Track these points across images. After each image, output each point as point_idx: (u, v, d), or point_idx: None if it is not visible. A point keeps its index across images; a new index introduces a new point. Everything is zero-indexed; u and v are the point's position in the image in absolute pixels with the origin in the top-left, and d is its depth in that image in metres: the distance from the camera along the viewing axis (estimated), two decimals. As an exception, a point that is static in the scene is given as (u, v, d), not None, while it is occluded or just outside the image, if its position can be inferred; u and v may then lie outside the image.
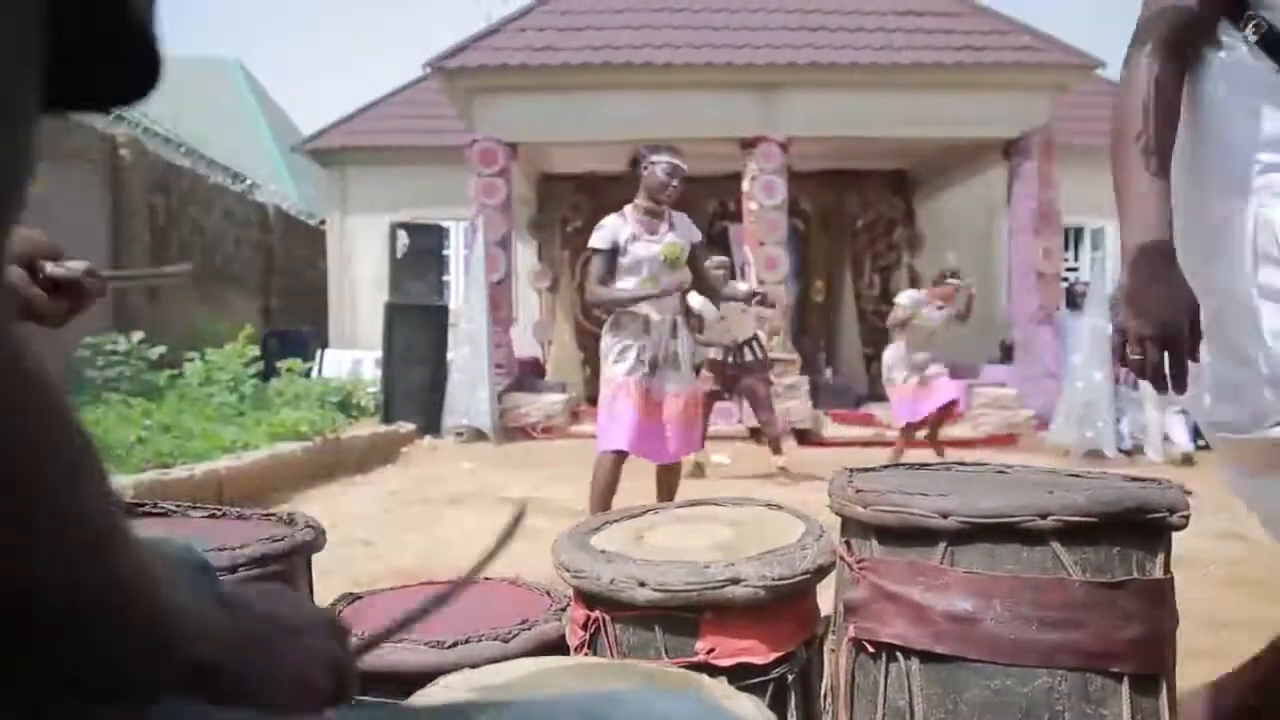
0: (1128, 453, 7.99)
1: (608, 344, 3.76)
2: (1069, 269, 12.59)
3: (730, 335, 6.47)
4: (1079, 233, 13.08)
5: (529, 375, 10.49)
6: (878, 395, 11.40)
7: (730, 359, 6.50)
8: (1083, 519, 1.14)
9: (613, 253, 3.70)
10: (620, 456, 3.61)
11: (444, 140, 11.62)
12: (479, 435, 8.53)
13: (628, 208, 3.84)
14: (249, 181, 14.32)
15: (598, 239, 3.74)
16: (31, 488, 0.36)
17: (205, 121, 16.15)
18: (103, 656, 0.43)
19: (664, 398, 3.67)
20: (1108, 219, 12.85)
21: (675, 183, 3.78)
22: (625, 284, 3.68)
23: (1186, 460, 7.46)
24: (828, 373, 11.34)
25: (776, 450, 6.52)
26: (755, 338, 6.55)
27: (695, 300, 5.95)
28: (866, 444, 8.78)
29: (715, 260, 6.90)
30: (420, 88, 12.61)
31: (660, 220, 3.82)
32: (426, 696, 1.05)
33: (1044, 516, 1.14)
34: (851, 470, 1.43)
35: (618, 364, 3.68)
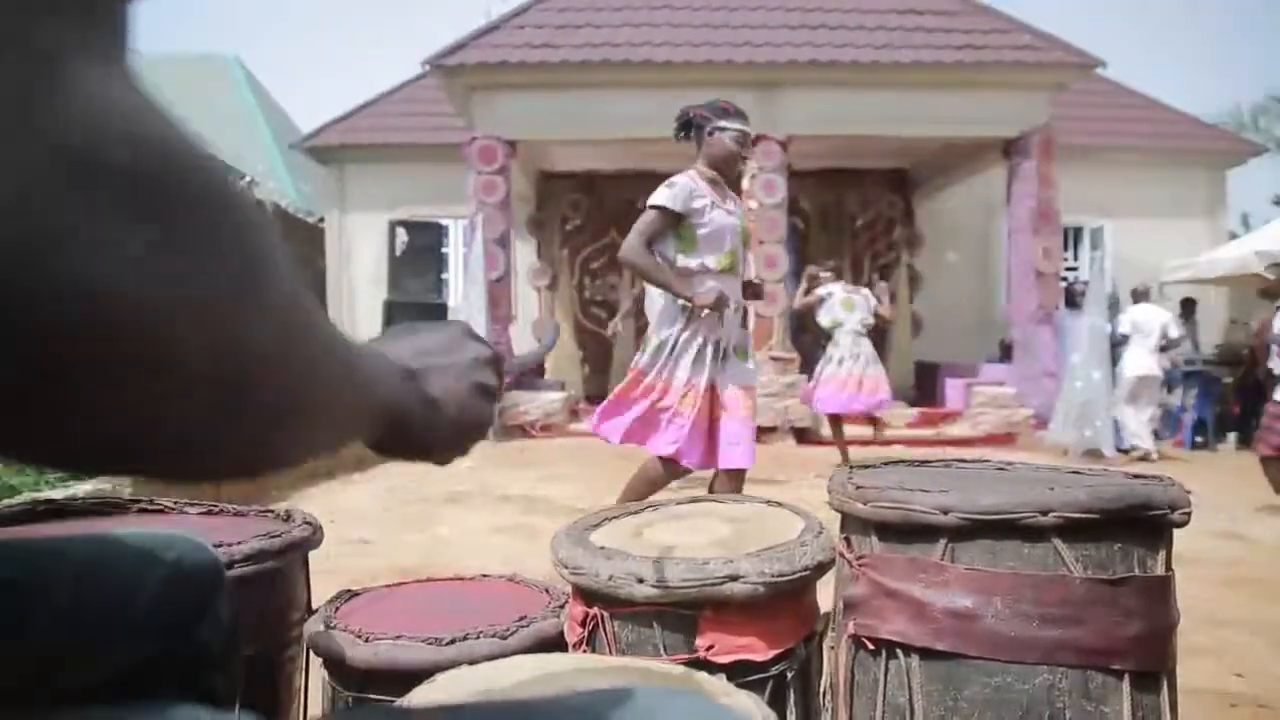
0: (1125, 451, 8.01)
1: (670, 333, 3.12)
2: (1068, 268, 12.59)
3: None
4: (1078, 232, 13.08)
5: (528, 373, 10.48)
6: (877, 394, 11.42)
7: None
8: (1084, 515, 1.14)
9: (676, 218, 3.11)
10: (677, 464, 3.09)
11: (443, 138, 11.61)
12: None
13: (691, 171, 3.25)
14: (247, 179, 14.27)
15: (666, 197, 3.10)
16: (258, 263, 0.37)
17: (203, 119, 16.13)
18: (335, 418, 0.46)
19: (733, 395, 3.10)
20: (1107, 218, 12.86)
21: (746, 154, 3.29)
22: (704, 259, 3.10)
23: (1144, 458, 7.72)
24: (827, 371, 11.31)
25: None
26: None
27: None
28: (865, 443, 8.77)
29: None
30: (419, 85, 12.59)
31: (726, 192, 3.30)
32: (424, 693, 1.04)
33: (1045, 513, 1.14)
34: (851, 467, 1.43)
35: (682, 358, 3.08)
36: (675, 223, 3.12)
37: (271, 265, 0.38)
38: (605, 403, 3.24)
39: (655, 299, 4.28)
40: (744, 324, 3.28)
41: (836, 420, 7.03)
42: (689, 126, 3.39)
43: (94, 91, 0.30)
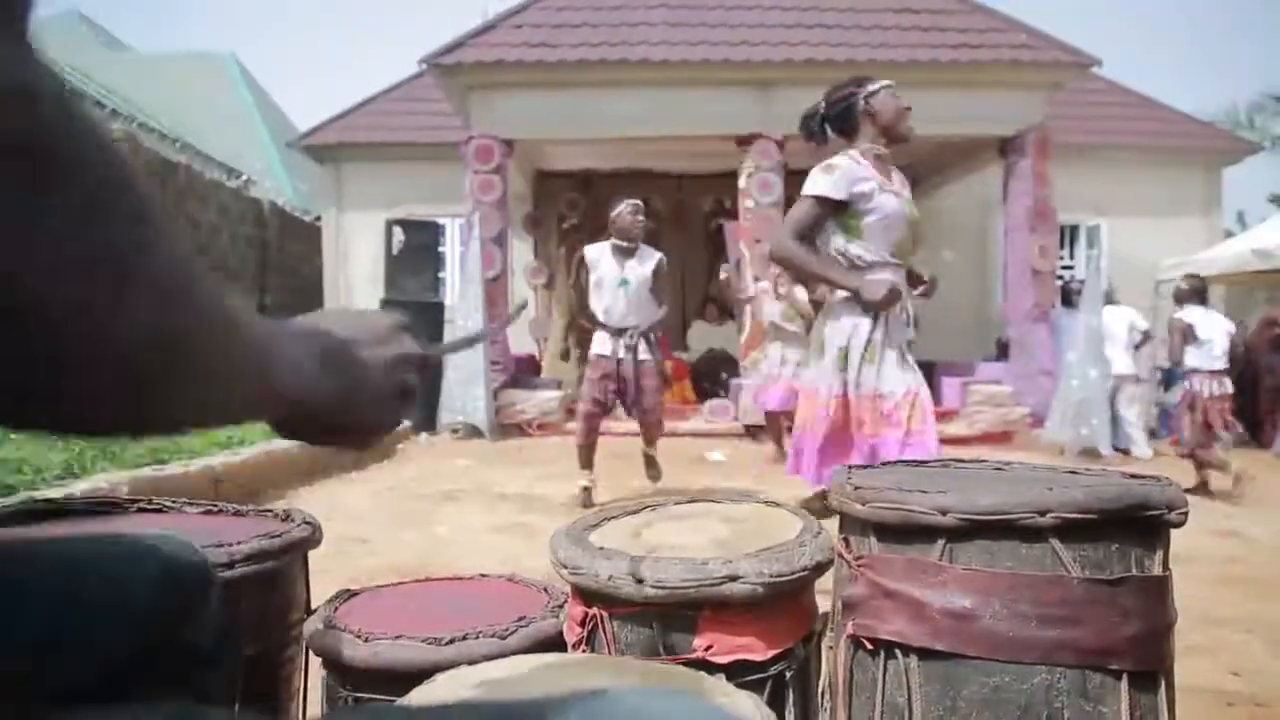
0: (1125, 451, 8.03)
1: (838, 328, 2.84)
2: (1064, 267, 12.61)
3: None
4: (1074, 230, 13.10)
5: (525, 372, 10.48)
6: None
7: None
8: (1082, 516, 1.14)
9: (838, 205, 2.79)
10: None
11: (440, 137, 11.59)
12: (475, 432, 8.52)
13: (853, 151, 2.90)
14: (244, 177, 14.26)
15: (826, 184, 2.76)
16: (116, 224, 0.37)
17: (201, 117, 16.11)
18: (213, 389, 0.45)
19: (888, 399, 2.80)
20: (1103, 216, 12.88)
21: (909, 112, 2.94)
22: (878, 250, 2.83)
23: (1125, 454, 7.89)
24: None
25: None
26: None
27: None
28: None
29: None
30: (416, 84, 12.58)
31: (891, 172, 2.96)
32: (424, 693, 1.05)
33: (1043, 513, 1.14)
34: (850, 467, 1.43)
35: (883, 363, 2.80)
36: (837, 211, 2.80)
37: (152, 232, 0.39)
38: (806, 445, 2.87)
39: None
40: (909, 323, 2.97)
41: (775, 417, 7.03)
42: (836, 116, 2.98)
43: None
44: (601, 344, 5.20)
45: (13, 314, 0.33)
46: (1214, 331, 6.32)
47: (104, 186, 0.36)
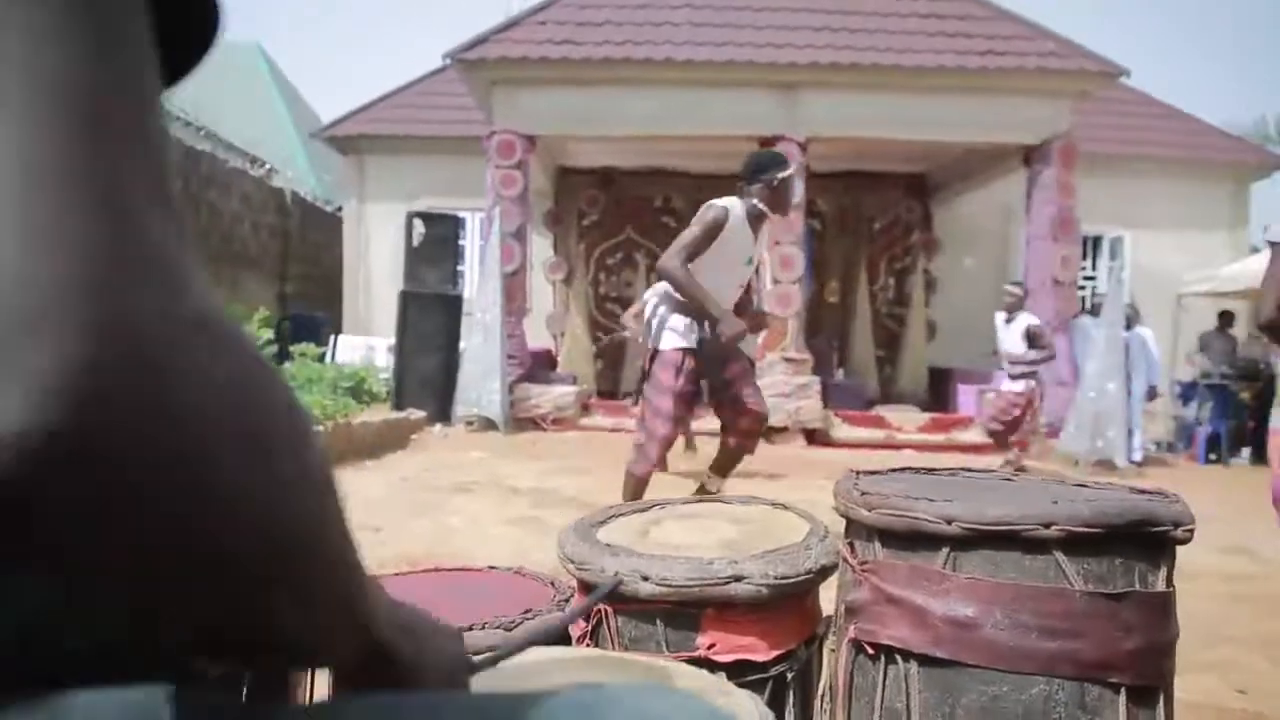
0: (1139, 464, 7.98)
1: None
2: (1086, 277, 12.53)
3: None
4: (1097, 241, 13.00)
5: (541, 367, 10.51)
6: (889, 398, 11.40)
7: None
8: (1086, 529, 1.15)
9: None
10: None
11: (462, 131, 11.64)
12: (489, 424, 8.56)
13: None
14: (268, 166, 14.37)
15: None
16: (273, 451, 0.38)
17: (225, 105, 16.22)
18: (316, 625, 0.46)
19: None
20: (1127, 228, 12.78)
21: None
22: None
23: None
24: (839, 373, 11.32)
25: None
26: None
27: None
28: (876, 446, 8.77)
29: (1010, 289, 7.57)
30: (440, 78, 12.63)
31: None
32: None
33: (1048, 526, 1.15)
34: (858, 473, 1.44)
35: None
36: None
37: (305, 433, 0.41)
38: None
39: None
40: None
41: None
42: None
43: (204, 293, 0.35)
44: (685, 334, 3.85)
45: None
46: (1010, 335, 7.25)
47: (258, 386, 0.38)
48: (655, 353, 3.86)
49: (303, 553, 0.41)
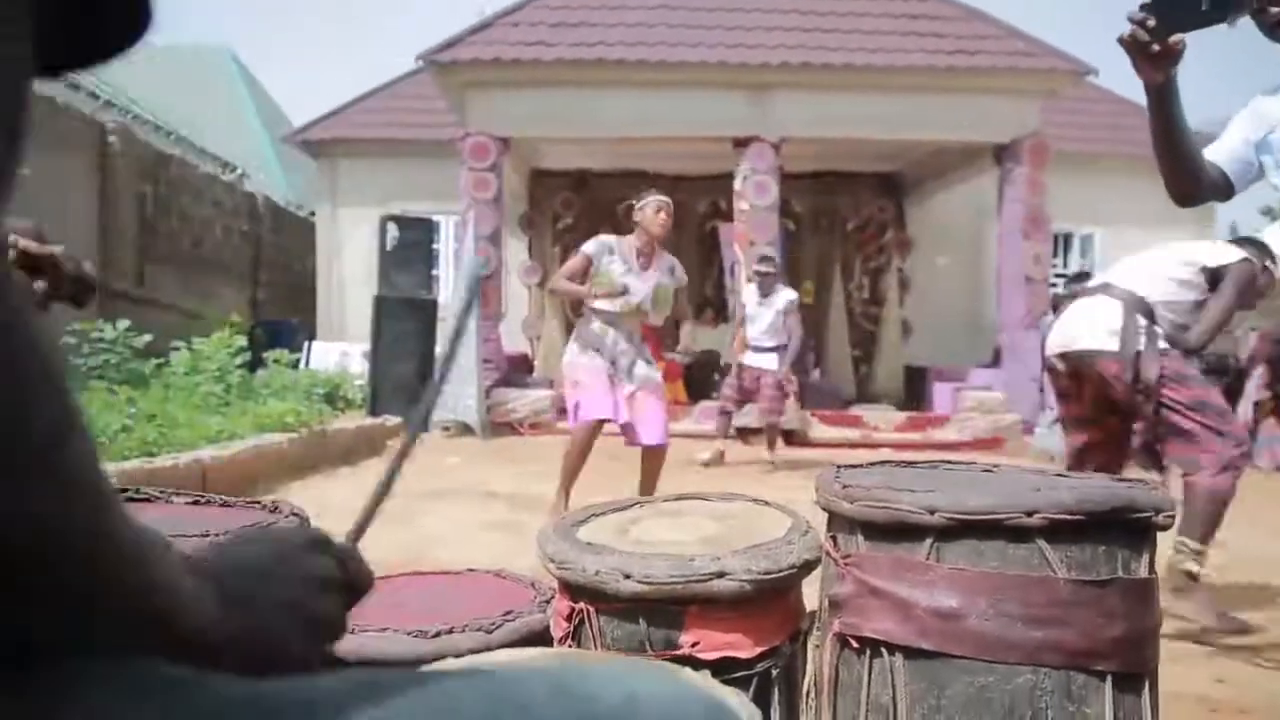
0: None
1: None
2: (1058, 275, 12.65)
3: None
4: (1068, 238, 13.14)
5: (517, 371, 10.47)
6: (865, 397, 11.45)
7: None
8: (1069, 517, 1.14)
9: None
10: None
11: (436, 134, 11.57)
12: (466, 430, 8.51)
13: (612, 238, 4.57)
14: (238, 171, 14.22)
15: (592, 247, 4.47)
16: (20, 433, 0.35)
17: (195, 110, 16.05)
18: (97, 624, 0.43)
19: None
20: (1097, 225, 12.92)
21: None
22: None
23: None
24: (815, 374, 11.35)
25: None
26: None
27: None
28: (853, 445, 8.81)
29: (765, 257, 7.39)
30: (412, 80, 12.56)
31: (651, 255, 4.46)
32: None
33: (1031, 514, 1.14)
34: (839, 467, 1.43)
35: None
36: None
37: (69, 437, 0.37)
38: None
39: None
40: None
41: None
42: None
43: None
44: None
45: None
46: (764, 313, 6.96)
47: (20, 381, 0.35)
48: None
49: (60, 557, 0.38)
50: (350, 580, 0.60)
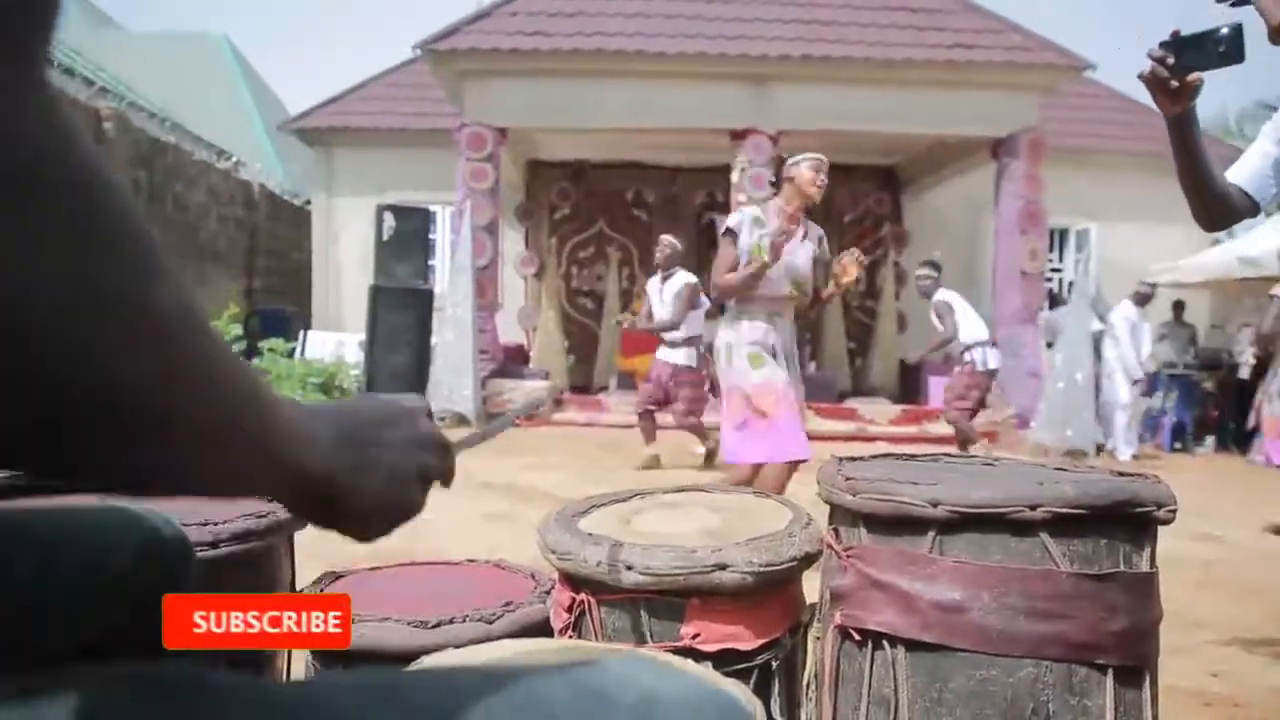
0: (1109, 453, 8.10)
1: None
2: (1053, 269, 12.65)
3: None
4: (1064, 234, 13.15)
5: (513, 362, 10.45)
6: (861, 390, 11.46)
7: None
8: (1072, 510, 1.14)
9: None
10: None
11: (432, 123, 11.53)
12: (462, 420, 8.50)
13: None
14: (234, 159, 14.16)
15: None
16: (111, 271, 0.35)
17: (191, 97, 15.97)
18: (224, 464, 0.43)
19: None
20: (1093, 221, 12.94)
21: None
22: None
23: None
24: (811, 366, 11.35)
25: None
26: None
27: None
28: (848, 438, 8.82)
29: (664, 240, 6.64)
30: (409, 69, 12.50)
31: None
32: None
33: (1033, 507, 1.14)
34: (840, 459, 1.43)
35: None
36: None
37: (157, 280, 0.37)
38: None
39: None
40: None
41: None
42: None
43: None
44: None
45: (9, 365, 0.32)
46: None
47: (103, 220, 0.35)
48: None
49: (174, 393, 0.38)
50: (446, 444, 0.65)
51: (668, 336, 6.32)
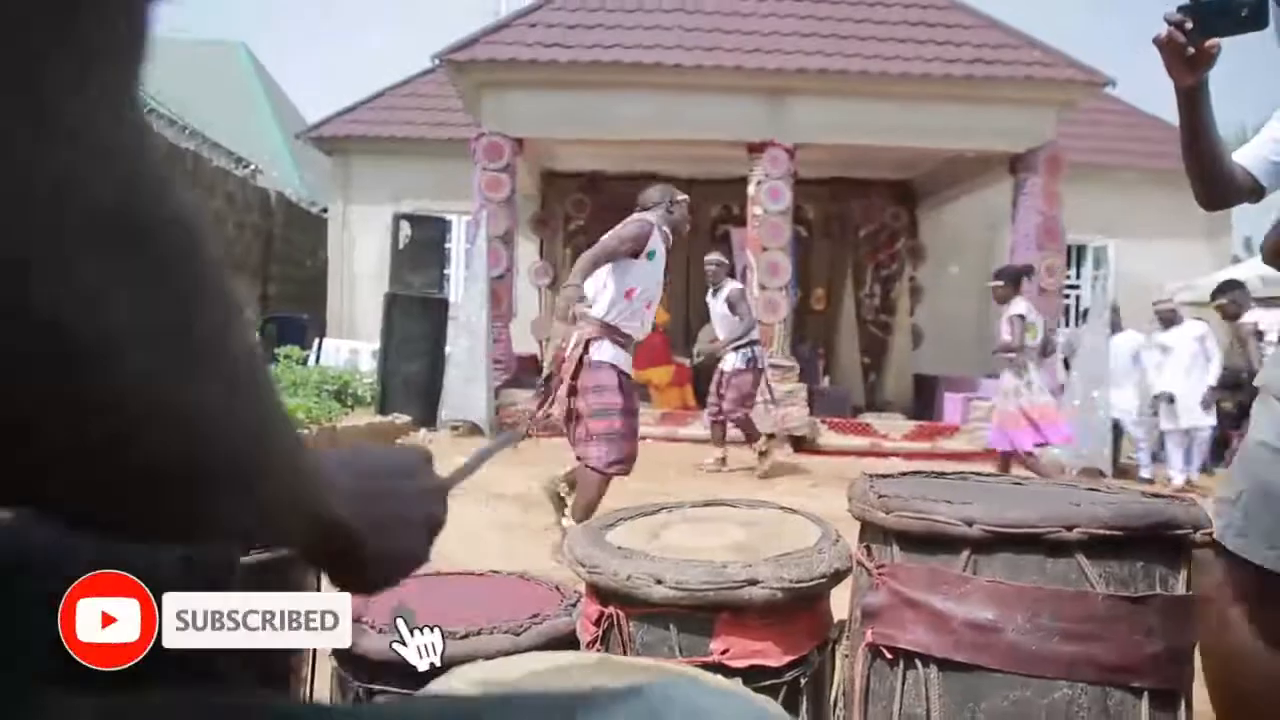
0: (1125, 472, 8.03)
1: None
2: (1070, 286, 12.60)
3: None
4: (1081, 250, 13.09)
5: (526, 372, 10.46)
6: (875, 405, 11.42)
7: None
8: (1108, 532, 1.13)
9: None
10: None
11: (450, 133, 11.59)
12: (475, 430, 8.50)
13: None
14: (252, 166, 14.26)
15: None
16: (195, 319, 0.35)
17: (209, 105, 16.10)
18: (262, 516, 0.43)
19: None
20: (1111, 237, 12.88)
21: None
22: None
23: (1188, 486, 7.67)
24: (825, 381, 11.33)
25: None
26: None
27: None
28: (862, 454, 8.78)
29: (712, 258, 7.12)
30: (427, 79, 12.58)
31: None
32: (444, 688, 1.03)
33: (1070, 528, 1.13)
34: (872, 476, 1.42)
35: None
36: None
37: (229, 317, 0.37)
38: None
39: None
40: None
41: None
42: None
43: (78, 128, 0.30)
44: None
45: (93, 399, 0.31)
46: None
47: (186, 262, 0.35)
48: None
49: (232, 450, 0.38)
50: (445, 489, 0.67)
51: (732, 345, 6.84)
